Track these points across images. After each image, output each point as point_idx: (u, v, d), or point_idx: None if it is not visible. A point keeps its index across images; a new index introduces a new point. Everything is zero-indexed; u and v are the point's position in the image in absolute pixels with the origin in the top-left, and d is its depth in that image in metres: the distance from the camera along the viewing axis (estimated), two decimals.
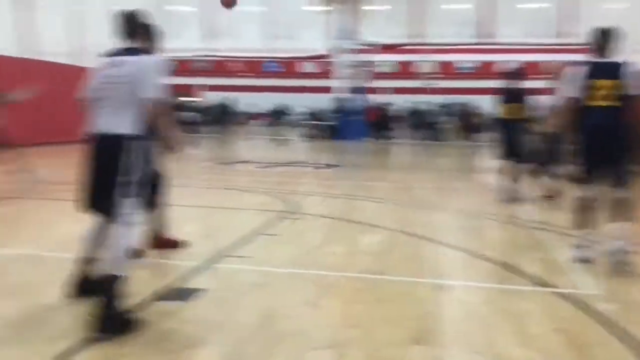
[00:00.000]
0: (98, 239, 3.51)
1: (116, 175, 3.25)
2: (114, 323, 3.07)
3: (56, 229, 5.71)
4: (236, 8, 10.91)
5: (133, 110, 3.35)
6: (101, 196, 3.32)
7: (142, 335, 3.09)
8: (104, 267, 3.24)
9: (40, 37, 18.51)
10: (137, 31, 3.57)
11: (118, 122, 3.34)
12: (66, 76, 14.90)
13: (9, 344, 2.99)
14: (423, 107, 26.41)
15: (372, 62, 25.52)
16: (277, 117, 39.77)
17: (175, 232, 4.94)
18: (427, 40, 26.00)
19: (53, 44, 18.36)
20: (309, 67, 32.53)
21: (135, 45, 3.53)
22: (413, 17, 25.25)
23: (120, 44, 3.53)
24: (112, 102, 3.38)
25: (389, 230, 5.96)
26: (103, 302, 3.09)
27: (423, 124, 25.96)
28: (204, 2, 27.53)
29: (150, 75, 3.38)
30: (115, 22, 3.51)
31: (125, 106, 3.35)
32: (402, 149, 21.59)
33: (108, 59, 3.49)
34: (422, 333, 3.24)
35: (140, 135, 3.36)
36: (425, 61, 29.04)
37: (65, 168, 9.41)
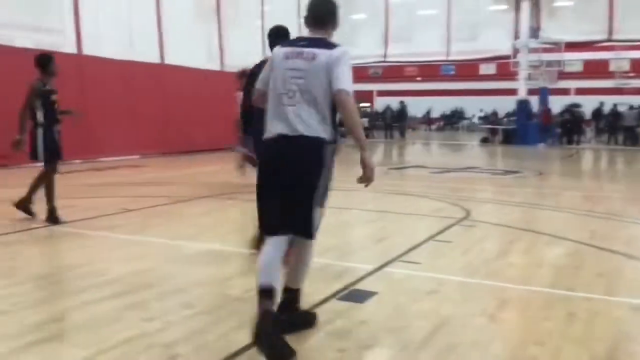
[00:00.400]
0: (278, 262, 3.02)
1: (312, 185, 2.93)
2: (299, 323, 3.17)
3: (243, 228, 6.15)
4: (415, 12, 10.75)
5: (326, 109, 2.96)
6: (291, 211, 2.97)
7: (319, 332, 3.17)
8: (290, 281, 3.16)
9: (225, 50, 20.18)
10: (329, 20, 3.16)
11: (311, 122, 2.93)
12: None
13: (203, 332, 3.27)
14: (620, 109, 23.90)
15: (558, 61, 23.76)
16: (452, 121, 38.93)
17: (348, 235, 5.02)
18: (619, 37, 23.51)
19: (235, 57, 19.96)
20: (488, 69, 31.34)
21: (323, 35, 3.13)
22: (603, 11, 23.01)
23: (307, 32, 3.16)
24: (301, 98, 2.96)
25: (577, 243, 5.47)
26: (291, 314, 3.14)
27: (618, 128, 23.59)
28: (376, 9, 27.86)
29: (346, 67, 2.96)
30: (310, 7, 3.16)
31: (318, 103, 2.94)
32: (593, 154, 19.82)
33: (294, 49, 3.05)
34: (614, 356, 2.91)
35: (333, 137, 3.01)
36: (619, 59, 26.37)
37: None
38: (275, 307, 2.93)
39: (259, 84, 3.18)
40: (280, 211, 2.98)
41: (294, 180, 2.94)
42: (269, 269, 2.94)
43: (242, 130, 4.62)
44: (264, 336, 2.76)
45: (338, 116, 3.03)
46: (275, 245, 3.01)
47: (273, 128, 3.01)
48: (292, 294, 3.17)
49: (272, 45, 4.75)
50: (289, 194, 2.94)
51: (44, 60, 6.43)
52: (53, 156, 6.34)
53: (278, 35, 4.73)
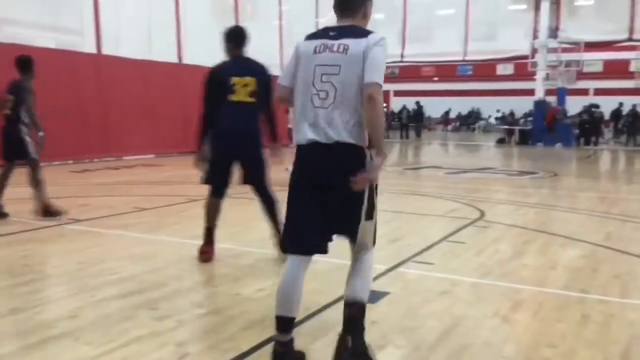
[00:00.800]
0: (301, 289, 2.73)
1: (357, 197, 2.63)
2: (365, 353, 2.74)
3: (253, 228, 6.15)
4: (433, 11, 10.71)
5: (359, 110, 2.58)
6: (340, 227, 2.72)
7: (329, 333, 3.16)
8: (355, 298, 2.77)
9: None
10: (359, 4, 2.76)
11: (346, 126, 2.58)
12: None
13: (214, 331, 3.27)
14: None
15: (577, 61, 23.46)
16: (468, 121, 38.70)
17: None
18: None
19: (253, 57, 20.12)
20: (506, 69, 31.06)
21: (352, 23, 2.72)
22: (624, 11, 22.67)
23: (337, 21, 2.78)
24: (334, 99, 2.60)
25: (593, 245, 5.40)
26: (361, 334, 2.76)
27: (637, 128, 23.26)
28: (395, 8, 27.76)
29: (380, 57, 2.58)
30: None
31: (354, 104, 2.58)
32: (611, 155, 19.56)
33: (323, 41, 2.67)
34: (628, 359, 2.87)
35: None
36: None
37: None
38: (290, 338, 2.71)
39: (284, 81, 2.78)
40: (318, 230, 2.68)
41: (335, 193, 2.61)
42: (289, 298, 2.68)
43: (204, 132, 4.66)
44: None
45: None
46: (299, 267, 2.71)
47: (303, 133, 2.65)
48: (354, 308, 2.77)
49: (226, 48, 4.77)
50: (333, 209, 2.65)
51: (28, 61, 6.49)
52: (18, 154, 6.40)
53: (229, 39, 4.74)
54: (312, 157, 2.66)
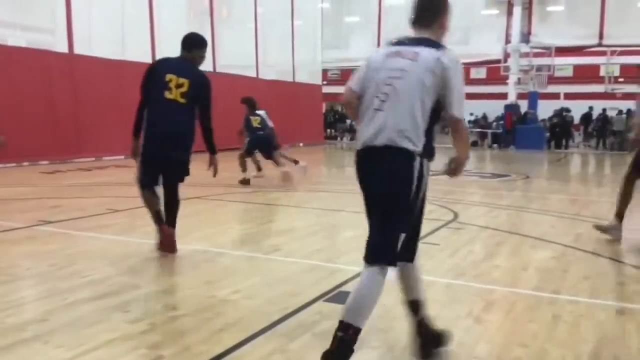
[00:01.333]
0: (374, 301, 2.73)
1: (396, 203, 2.62)
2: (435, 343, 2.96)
3: (227, 230, 6.13)
4: (407, 15, 10.92)
5: (420, 116, 2.60)
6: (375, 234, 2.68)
7: (305, 334, 3.16)
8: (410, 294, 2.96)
9: (218, 52, 20.15)
10: (435, 17, 2.79)
11: (398, 130, 2.57)
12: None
13: (188, 334, 3.25)
14: (610, 114, 24.10)
15: (548, 65, 23.89)
16: (441, 124, 38.98)
17: (336, 237, 5.02)
18: (610, 42, 23.65)
19: (228, 59, 19.97)
20: (479, 73, 31.48)
21: (428, 36, 2.76)
22: (594, 17, 23.15)
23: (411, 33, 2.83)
24: (393, 102, 2.61)
25: (563, 246, 5.50)
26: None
27: (607, 132, 23.79)
28: (369, 12, 27.95)
29: (460, 85, 2.62)
30: (414, 4, 2.84)
31: (413, 110, 2.58)
32: (581, 158, 19.94)
33: (395, 48, 2.74)
34: (598, 359, 2.93)
35: (427, 150, 2.67)
36: (610, 64, 26.54)
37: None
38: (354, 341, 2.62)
39: (353, 85, 2.77)
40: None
41: (377, 198, 2.65)
42: (358, 307, 2.64)
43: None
44: None
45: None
46: (373, 277, 2.64)
47: (361, 136, 2.68)
48: (415, 305, 2.93)
49: (180, 52, 4.84)
50: (378, 213, 2.65)
51: None
52: None
53: (182, 42, 4.83)
54: (362, 160, 2.70)
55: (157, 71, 4.75)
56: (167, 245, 4.74)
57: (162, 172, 4.81)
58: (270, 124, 10.15)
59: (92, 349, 2.91)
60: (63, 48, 14.46)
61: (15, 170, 10.41)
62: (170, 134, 4.68)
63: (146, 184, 4.82)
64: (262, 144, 10.01)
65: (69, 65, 14.05)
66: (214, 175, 5.01)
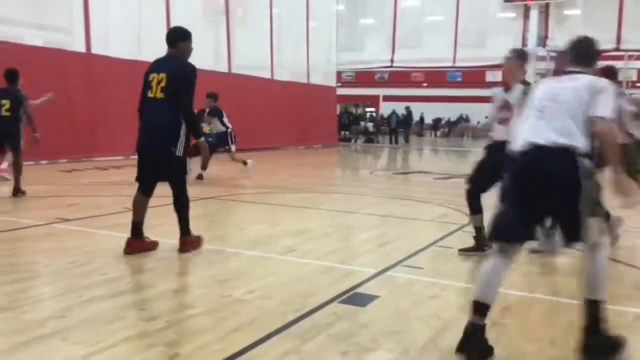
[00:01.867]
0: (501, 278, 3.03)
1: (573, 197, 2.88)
2: (606, 349, 3.00)
3: (242, 230, 6.15)
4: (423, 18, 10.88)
5: (580, 123, 2.92)
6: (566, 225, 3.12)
7: (320, 334, 3.16)
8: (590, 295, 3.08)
9: (233, 53, 20.21)
10: (591, 59, 3.27)
11: (557, 131, 2.91)
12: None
13: (204, 333, 3.27)
14: None
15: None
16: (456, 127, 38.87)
17: (351, 239, 5.02)
18: (628, 46, 23.41)
19: (244, 59, 20.02)
20: (495, 76, 31.31)
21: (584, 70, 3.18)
22: (611, 21, 22.92)
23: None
24: (552, 111, 2.99)
25: (581, 252, 5.43)
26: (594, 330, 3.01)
27: None
28: (384, 14, 27.92)
29: (610, 98, 2.95)
30: (573, 45, 3.28)
31: (572, 117, 2.94)
32: None
33: (556, 78, 3.22)
34: None
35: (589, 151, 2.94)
36: (627, 68, 26.29)
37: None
38: (484, 322, 2.92)
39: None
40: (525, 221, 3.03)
41: (549, 196, 2.94)
42: (488, 284, 2.98)
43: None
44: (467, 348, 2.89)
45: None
46: (503, 258, 3.04)
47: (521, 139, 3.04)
48: (591, 305, 3.06)
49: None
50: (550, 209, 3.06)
51: (16, 74, 7.82)
52: None
53: (167, 41, 4.91)
54: (525, 159, 3.03)
55: (146, 74, 4.87)
56: (125, 252, 4.79)
57: (157, 172, 4.86)
58: (223, 128, 11.09)
59: (109, 346, 2.94)
60: (80, 47, 14.61)
61: (34, 169, 10.51)
62: (150, 131, 4.79)
63: (140, 184, 4.95)
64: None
65: (86, 65, 14.19)
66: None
